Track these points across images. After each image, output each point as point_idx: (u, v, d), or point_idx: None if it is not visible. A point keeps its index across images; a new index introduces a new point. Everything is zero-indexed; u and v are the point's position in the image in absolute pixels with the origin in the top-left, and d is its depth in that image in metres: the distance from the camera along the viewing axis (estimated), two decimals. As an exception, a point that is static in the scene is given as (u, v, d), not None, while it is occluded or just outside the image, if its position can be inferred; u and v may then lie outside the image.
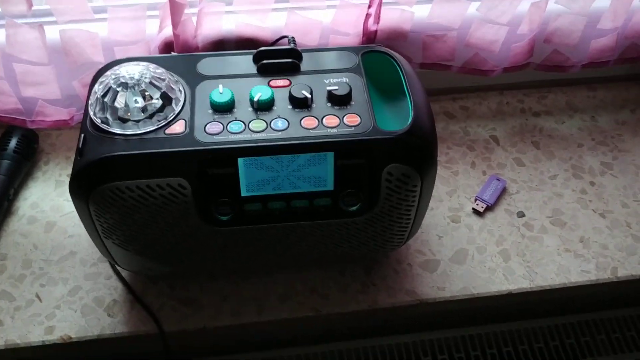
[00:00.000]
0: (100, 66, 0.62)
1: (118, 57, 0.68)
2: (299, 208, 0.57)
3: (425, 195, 0.59)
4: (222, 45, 0.73)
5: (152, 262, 0.61)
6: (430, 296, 0.67)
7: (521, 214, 0.74)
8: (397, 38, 0.74)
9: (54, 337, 0.63)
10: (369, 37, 0.73)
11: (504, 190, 0.76)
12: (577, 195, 0.77)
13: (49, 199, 0.74)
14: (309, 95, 0.55)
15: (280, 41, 0.72)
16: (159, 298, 0.66)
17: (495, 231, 0.73)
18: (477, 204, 0.74)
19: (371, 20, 0.72)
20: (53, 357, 0.65)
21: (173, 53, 0.63)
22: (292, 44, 0.69)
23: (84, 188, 0.53)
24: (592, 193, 0.77)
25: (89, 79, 0.63)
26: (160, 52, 0.71)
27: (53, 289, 0.67)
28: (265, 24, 0.71)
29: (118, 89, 0.53)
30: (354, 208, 0.57)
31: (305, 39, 0.72)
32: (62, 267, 0.68)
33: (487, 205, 0.74)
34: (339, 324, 0.72)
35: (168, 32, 0.70)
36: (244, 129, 0.53)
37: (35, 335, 0.63)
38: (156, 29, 0.70)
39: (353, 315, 0.66)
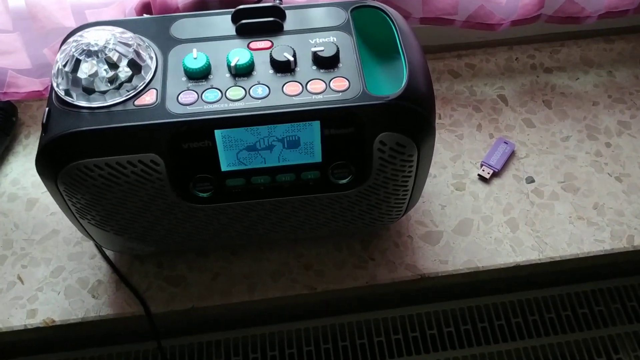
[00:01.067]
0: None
1: (90, 20, 0.63)
2: (285, 182, 0.53)
3: (423, 164, 0.54)
4: (205, 3, 0.67)
5: (133, 242, 0.57)
6: (432, 270, 0.63)
7: (530, 180, 0.69)
8: (395, -9, 0.68)
9: (36, 320, 0.60)
10: (364, -10, 0.67)
11: (512, 154, 0.71)
12: (592, 158, 0.71)
13: (30, 174, 0.71)
14: (291, 58, 0.50)
15: (266, -1, 0.66)
16: (146, 277, 0.63)
17: (502, 199, 0.68)
18: (483, 170, 0.69)
19: (365, -28, 0.66)
20: (36, 340, 0.62)
21: (145, 15, 0.58)
22: (277, 0, 0.63)
23: (51, 167, 0.49)
24: (607, 155, 0.71)
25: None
26: (138, 14, 0.65)
27: (35, 270, 0.64)
28: (249, -21, 0.65)
29: (80, 57, 0.48)
30: (344, 181, 0.53)
31: (293, -5, 0.66)
32: (45, 247, 0.65)
33: (494, 171, 0.69)
34: (336, 300, 0.69)
35: (144, -9, 0.64)
36: (221, 98, 0.49)
37: (18, 319, 0.60)
38: (132, -11, 0.65)
39: (350, 292, 0.63)
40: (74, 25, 0.62)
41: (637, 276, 0.81)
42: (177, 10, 0.66)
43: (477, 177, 0.69)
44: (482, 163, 0.70)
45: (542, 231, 0.65)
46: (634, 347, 0.76)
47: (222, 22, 0.54)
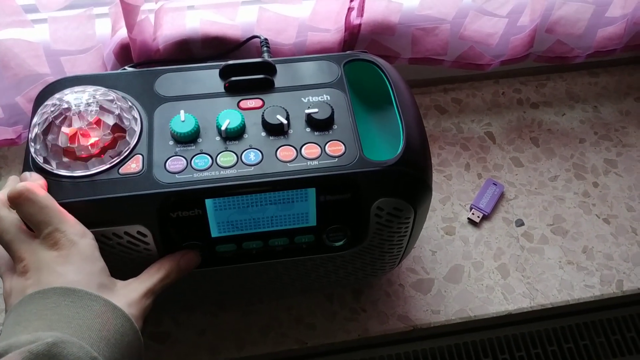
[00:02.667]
0: (46, 78, 0.54)
1: (65, 67, 0.60)
2: (278, 246, 0.51)
3: (419, 221, 0.53)
4: (187, 45, 0.64)
5: (117, 305, 0.55)
6: (425, 321, 0.62)
7: (520, 223, 0.69)
8: (384, 32, 0.66)
9: (13, 385, 0.57)
10: (352, 32, 0.65)
11: (501, 196, 0.70)
12: (580, 199, 0.71)
13: (2, 221, 0.67)
14: (284, 121, 0.48)
15: (252, 41, 0.63)
16: (129, 334, 0.60)
17: (492, 243, 0.67)
18: (473, 214, 0.68)
19: (354, 13, 0.64)
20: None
21: (127, 67, 0.55)
22: (264, 47, 0.61)
23: (29, 239, 0.46)
24: (595, 196, 0.71)
25: (34, 93, 0.55)
26: (116, 56, 0.62)
27: (10, 328, 0.60)
28: (234, 21, 0.63)
29: (59, 123, 0.45)
30: (339, 244, 0.51)
31: (280, 37, 0.64)
32: (20, 302, 0.62)
33: (484, 215, 0.68)
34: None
35: (123, 33, 0.61)
36: (211, 165, 0.46)
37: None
38: (109, 29, 0.61)
39: (342, 345, 0.61)
40: (49, 72, 0.58)
41: (620, 309, 0.81)
42: (158, 51, 0.63)
43: (467, 220, 0.69)
44: (472, 206, 0.69)
45: (532, 277, 0.65)
46: (619, 382, 0.77)
47: (209, 78, 0.51)
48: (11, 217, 0.42)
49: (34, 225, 0.42)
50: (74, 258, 0.41)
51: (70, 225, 0.42)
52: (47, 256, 0.41)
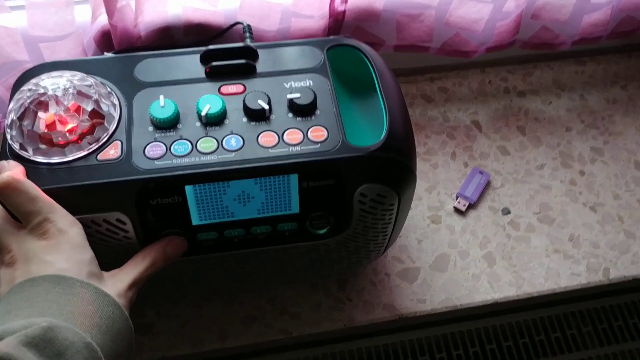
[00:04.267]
0: (25, 65, 0.53)
1: (45, 53, 0.58)
2: (261, 234, 0.50)
3: (404, 209, 0.52)
4: (169, 32, 0.63)
5: (98, 295, 0.54)
6: (410, 310, 0.62)
7: (506, 211, 0.69)
8: (368, 19, 0.65)
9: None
10: (337, 18, 0.65)
11: (487, 185, 0.70)
12: (566, 187, 0.71)
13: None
14: (266, 106, 0.47)
15: (235, 27, 0.63)
16: (111, 325, 0.59)
17: (478, 232, 0.67)
18: (459, 202, 0.68)
19: (338, -1, 0.63)
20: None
21: (107, 53, 0.54)
22: (247, 33, 0.60)
23: (5, 228, 0.45)
24: (582, 184, 0.71)
25: (13, 81, 0.53)
26: (97, 44, 0.61)
27: (-10, 320, 0.59)
28: (216, 7, 0.62)
29: (36, 109, 0.44)
30: (322, 231, 0.51)
31: (263, 24, 0.63)
32: (0, 294, 0.61)
33: (470, 203, 0.68)
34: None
35: (104, 19, 0.60)
36: (191, 151, 0.45)
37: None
38: (89, 15, 0.60)
39: (327, 334, 0.61)
40: (27, 59, 0.57)
41: (607, 298, 0.82)
42: (139, 38, 0.62)
43: (453, 209, 0.68)
44: (458, 195, 0.69)
45: (519, 265, 0.65)
46: (606, 371, 0.77)
47: (190, 63, 0.51)
48: None
49: (22, 215, 0.41)
50: (63, 247, 0.41)
51: (60, 215, 0.42)
52: (35, 246, 0.40)
